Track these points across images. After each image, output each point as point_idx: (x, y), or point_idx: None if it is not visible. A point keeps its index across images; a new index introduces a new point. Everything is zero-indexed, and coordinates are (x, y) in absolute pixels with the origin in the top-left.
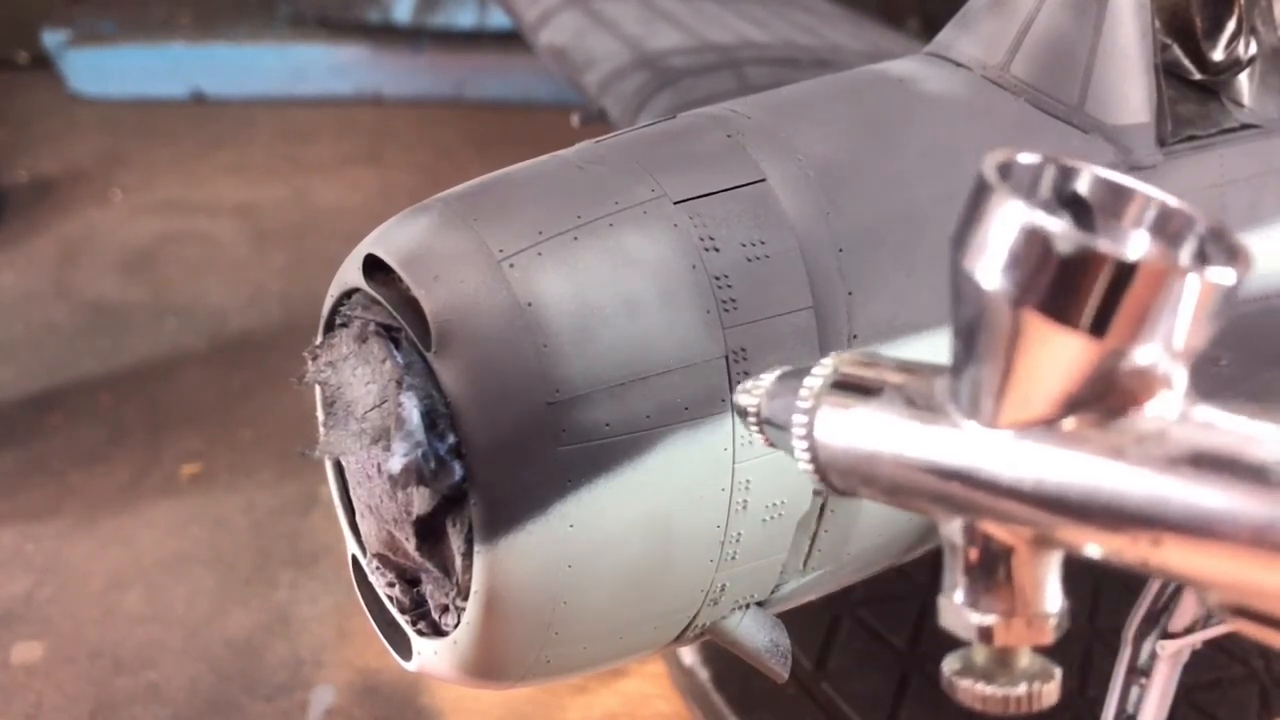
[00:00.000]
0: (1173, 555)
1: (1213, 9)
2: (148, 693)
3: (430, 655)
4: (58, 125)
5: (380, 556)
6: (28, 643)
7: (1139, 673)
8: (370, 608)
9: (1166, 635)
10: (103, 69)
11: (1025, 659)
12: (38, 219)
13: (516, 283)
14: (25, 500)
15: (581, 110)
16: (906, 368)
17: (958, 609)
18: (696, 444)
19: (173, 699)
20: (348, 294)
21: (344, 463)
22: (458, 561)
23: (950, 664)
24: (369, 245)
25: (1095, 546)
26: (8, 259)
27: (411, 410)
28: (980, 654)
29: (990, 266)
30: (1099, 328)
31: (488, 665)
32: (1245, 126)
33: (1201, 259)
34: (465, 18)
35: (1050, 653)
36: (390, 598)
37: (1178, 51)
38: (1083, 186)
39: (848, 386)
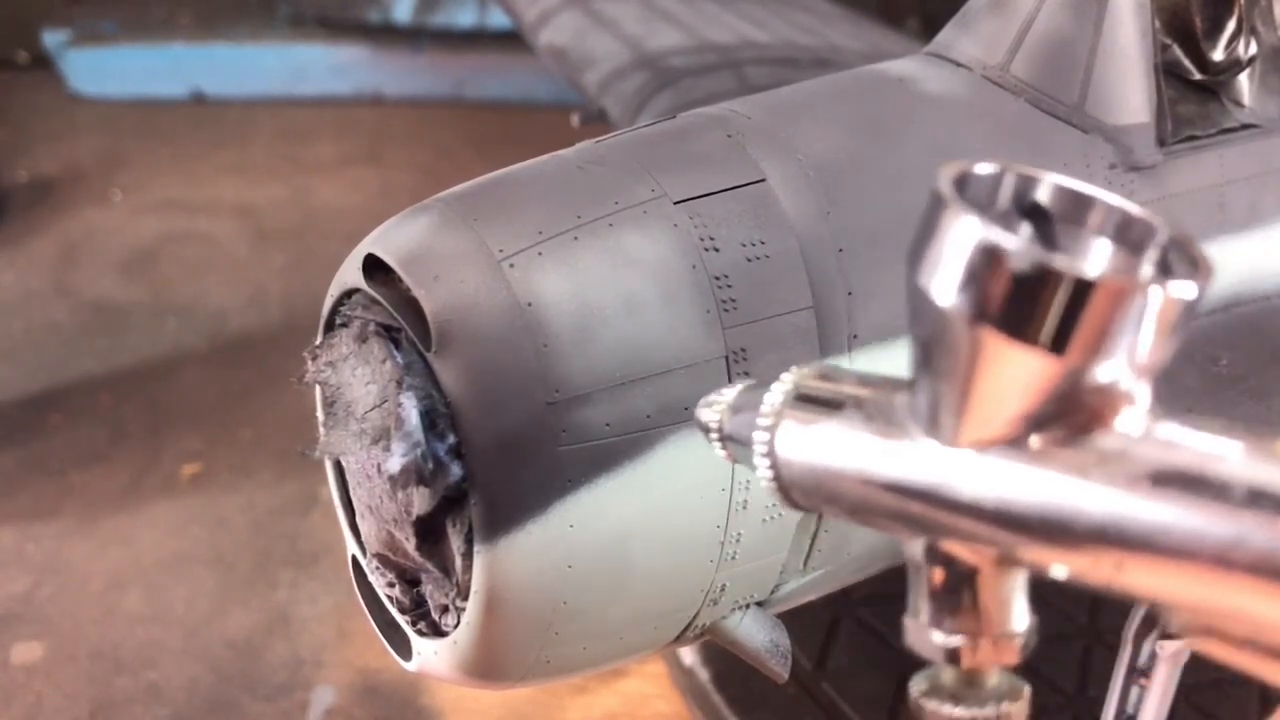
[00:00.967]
0: (1137, 576)
1: (1213, 9)
2: (148, 693)
3: (430, 655)
4: (58, 125)
5: (380, 557)
6: (28, 643)
7: (1139, 673)
8: (370, 608)
9: (1166, 635)
10: (103, 69)
11: (994, 678)
12: (38, 219)
13: (516, 283)
14: (25, 500)
15: (581, 110)
16: (868, 382)
17: (923, 630)
18: (697, 444)
19: (173, 699)
20: (348, 294)
21: (344, 463)
22: (458, 561)
23: (918, 685)
24: (369, 245)
25: (1060, 567)
26: (8, 259)
27: (411, 410)
28: (948, 675)
29: (946, 283)
30: (1058, 345)
31: (488, 665)
32: (1245, 126)
33: (1164, 269)
34: (465, 18)
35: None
36: (390, 598)
37: (1178, 51)
38: (1043, 195)
39: (809, 401)
